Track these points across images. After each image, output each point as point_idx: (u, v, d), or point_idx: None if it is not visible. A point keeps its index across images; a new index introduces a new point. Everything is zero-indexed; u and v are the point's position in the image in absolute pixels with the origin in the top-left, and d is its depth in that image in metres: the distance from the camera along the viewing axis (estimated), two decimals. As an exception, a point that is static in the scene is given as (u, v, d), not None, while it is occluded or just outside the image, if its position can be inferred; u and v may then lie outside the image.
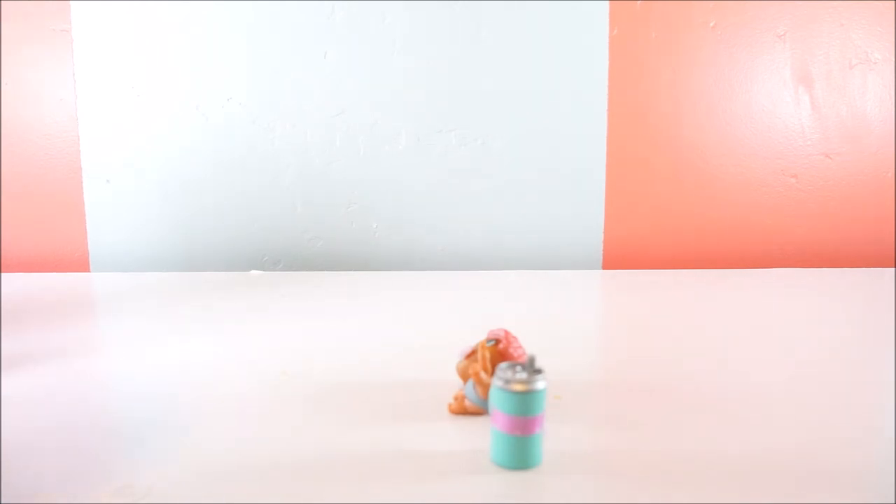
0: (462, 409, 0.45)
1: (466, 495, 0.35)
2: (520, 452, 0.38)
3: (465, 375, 0.46)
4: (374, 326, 0.70)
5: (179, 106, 1.01)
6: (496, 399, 0.38)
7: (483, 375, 0.43)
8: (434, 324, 0.71)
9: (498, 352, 0.46)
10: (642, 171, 1.03)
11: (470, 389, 0.44)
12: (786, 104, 1.01)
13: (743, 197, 1.03)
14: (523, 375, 0.38)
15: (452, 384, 0.50)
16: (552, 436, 0.40)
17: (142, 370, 0.56)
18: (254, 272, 1.00)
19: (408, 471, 0.38)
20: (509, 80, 1.01)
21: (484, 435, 0.42)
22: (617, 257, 1.04)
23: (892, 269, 0.96)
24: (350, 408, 0.47)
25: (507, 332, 0.47)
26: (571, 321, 0.73)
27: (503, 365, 0.39)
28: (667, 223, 1.04)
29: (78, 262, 1.04)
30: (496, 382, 0.38)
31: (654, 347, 0.62)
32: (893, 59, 1.00)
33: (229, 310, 0.77)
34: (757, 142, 1.02)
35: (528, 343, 0.48)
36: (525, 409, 0.37)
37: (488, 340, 0.46)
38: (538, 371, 0.38)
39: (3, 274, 0.99)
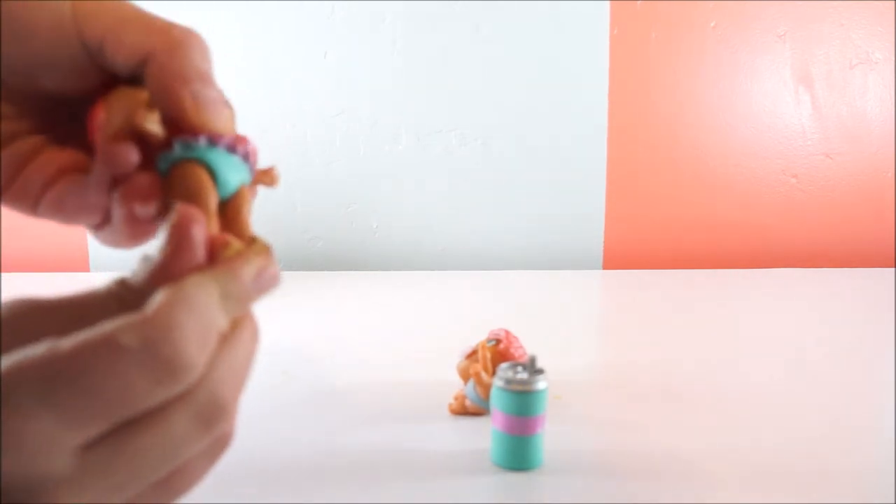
0: (462, 409, 0.45)
1: (466, 495, 0.35)
2: (520, 453, 0.38)
3: (465, 375, 0.46)
4: (374, 326, 0.70)
5: (179, 106, 1.01)
6: (497, 399, 0.38)
7: (484, 375, 0.43)
8: (434, 324, 0.71)
9: (499, 352, 0.46)
10: (643, 170, 1.03)
11: (470, 389, 0.44)
12: (786, 104, 1.01)
13: (743, 197, 1.03)
14: (524, 376, 0.38)
15: (453, 384, 0.50)
16: (552, 436, 0.40)
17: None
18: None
19: (408, 471, 0.38)
20: (509, 80, 1.01)
21: (484, 435, 0.42)
22: (618, 257, 1.04)
23: (892, 269, 0.96)
24: (350, 408, 0.47)
25: (507, 332, 0.47)
26: (572, 321, 0.73)
27: (504, 365, 0.39)
28: (666, 223, 1.04)
29: (78, 262, 1.04)
30: (497, 382, 0.38)
31: (654, 347, 0.62)
32: (894, 59, 1.00)
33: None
34: (757, 142, 1.02)
35: (529, 343, 0.48)
36: (526, 409, 0.37)
37: (489, 340, 0.46)
38: (539, 371, 0.38)
39: (3, 274, 0.99)
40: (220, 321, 0.22)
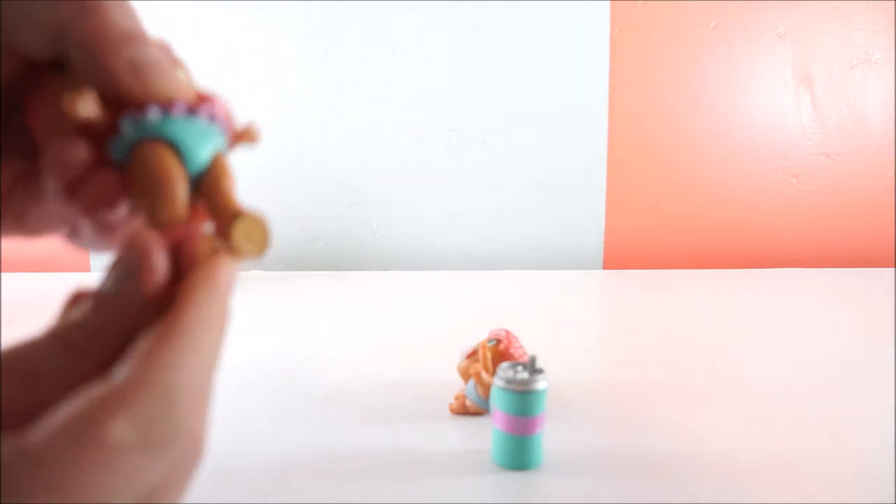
0: (463, 409, 0.45)
1: (466, 495, 0.35)
2: (520, 452, 0.38)
3: (466, 375, 0.46)
4: (375, 326, 0.70)
5: (179, 106, 1.01)
6: (497, 399, 0.38)
7: (484, 375, 0.43)
8: (434, 324, 0.71)
9: (499, 352, 0.46)
10: (643, 170, 1.03)
11: (471, 389, 0.44)
12: (786, 104, 1.01)
13: (743, 197, 1.03)
14: (524, 375, 0.38)
15: (453, 384, 0.50)
16: (552, 436, 0.40)
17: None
18: (254, 272, 1.00)
19: (408, 471, 0.38)
20: (510, 80, 1.01)
21: (485, 435, 0.42)
22: (618, 257, 1.04)
23: (892, 269, 0.96)
24: (350, 408, 0.47)
25: (508, 332, 0.47)
26: (572, 321, 0.73)
27: (504, 365, 0.39)
28: (667, 223, 1.04)
29: (78, 263, 1.04)
30: (497, 382, 0.38)
31: (655, 347, 0.62)
32: (894, 59, 1.00)
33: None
34: (757, 142, 1.02)
35: (529, 343, 0.48)
36: (526, 408, 0.37)
37: (489, 340, 0.46)
38: (539, 371, 0.38)
39: (2, 274, 0.99)
40: (213, 369, 0.19)
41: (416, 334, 0.67)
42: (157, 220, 0.20)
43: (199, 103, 0.22)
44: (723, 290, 0.87)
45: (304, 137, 1.02)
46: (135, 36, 0.21)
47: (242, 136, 0.24)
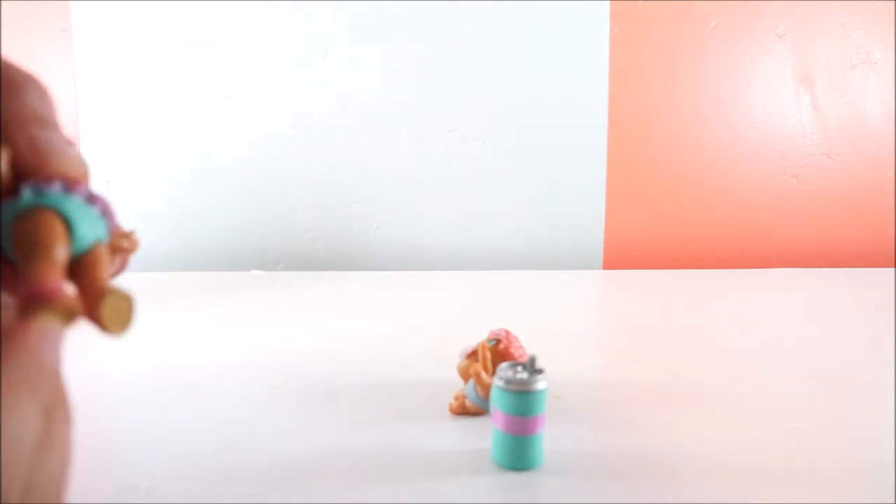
0: (462, 409, 0.45)
1: (466, 495, 0.35)
2: (520, 452, 0.38)
3: (465, 375, 0.46)
4: (375, 326, 0.70)
5: (179, 106, 1.01)
6: (497, 399, 0.38)
7: (484, 375, 0.43)
8: (434, 324, 0.71)
9: (499, 352, 0.46)
10: (643, 170, 1.03)
11: (471, 389, 0.44)
12: (786, 104, 1.01)
13: (743, 197, 1.03)
14: (524, 375, 0.38)
15: (453, 384, 0.50)
16: (552, 436, 0.40)
17: (141, 370, 0.56)
18: (254, 272, 1.00)
19: (408, 471, 0.38)
20: (509, 80, 1.01)
21: (485, 435, 0.42)
22: (618, 257, 1.04)
23: (892, 269, 0.96)
24: (350, 408, 0.47)
25: (507, 332, 0.47)
26: (572, 321, 0.73)
27: (504, 365, 0.39)
28: (666, 223, 1.04)
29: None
30: (497, 382, 0.38)
31: (655, 347, 0.62)
32: (894, 59, 1.00)
33: (229, 310, 0.77)
34: (757, 142, 1.02)
35: (529, 343, 0.48)
36: (526, 409, 0.37)
37: (489, 340, 0.46)
38: (539, 371, 0.38)
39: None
40: (35, 425, 0.18)
41: (415, 334, 0.67)
42: (31, 270, 0.22)
43: (96, 196, 0.25)
44: (722, 289, 0.87)
45: (304, 137, 1.02)
46: (41, 120, 0.23)
47: (122, 240, 0.26)
